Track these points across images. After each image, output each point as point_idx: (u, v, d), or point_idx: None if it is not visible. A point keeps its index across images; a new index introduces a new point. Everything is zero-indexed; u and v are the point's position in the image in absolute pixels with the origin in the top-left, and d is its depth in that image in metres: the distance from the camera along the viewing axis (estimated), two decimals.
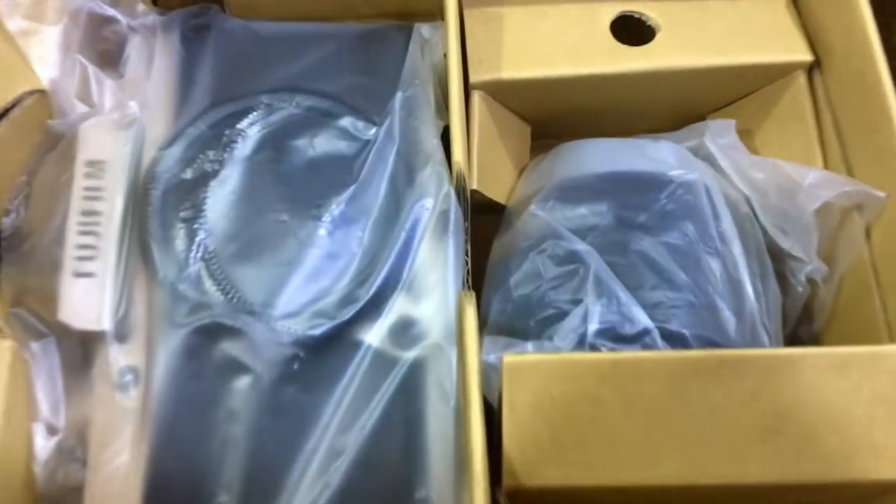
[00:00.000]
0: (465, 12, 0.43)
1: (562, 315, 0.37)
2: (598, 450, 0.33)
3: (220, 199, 0.37)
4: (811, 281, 0.41)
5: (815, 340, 0.43)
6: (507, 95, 0.43)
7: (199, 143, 0.38)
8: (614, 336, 0.36)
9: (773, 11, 0.44)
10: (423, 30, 0.43)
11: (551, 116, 0.46)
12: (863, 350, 0.34)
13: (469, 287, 0.39)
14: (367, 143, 0.39)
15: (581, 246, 0.38)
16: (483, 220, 0.44)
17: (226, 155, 0.38)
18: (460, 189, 0.38)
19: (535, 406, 0.33)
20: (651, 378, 0.33)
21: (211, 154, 0.38)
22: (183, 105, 0.40)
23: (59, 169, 0.37)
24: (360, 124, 0.40)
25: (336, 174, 0.38)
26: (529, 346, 0.36)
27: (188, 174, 0.38)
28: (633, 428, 0.33)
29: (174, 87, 0.41)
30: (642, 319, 0.36)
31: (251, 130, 0.39)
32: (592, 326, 0.36)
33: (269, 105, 0.39)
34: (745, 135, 0.45)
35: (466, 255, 0.39)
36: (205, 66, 0.41)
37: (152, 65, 0.41)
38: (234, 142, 0.38)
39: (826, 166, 0.42)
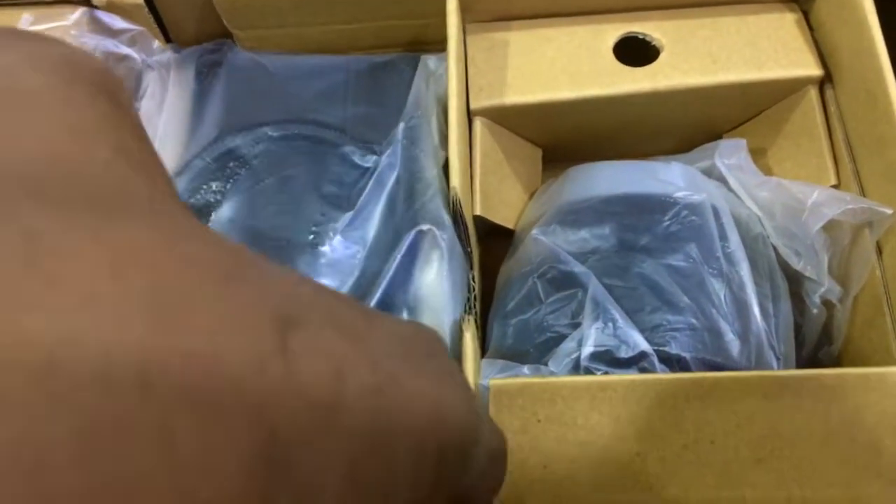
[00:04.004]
0: (468, 39, 0.43)
1: (560, 339, 0.37)
2: (589, 472, 0.33)
3: (221, 228, 0.38)
4: (826, 302, 0.40)
5: (834, 363, 0.42)
6: (512, 120, 0.43)
7: (204, 174, 0.39)
8: (610, 360, 0.35)
9: (783, 27, 0.43)
10: (430, 61, 0.44)
11: (560, 139, 0.46)
12: (861, 372, 0.33)
13: (475, 312, 0.39)
14: (366, 171, 0.39)
15: (579, 268, 0.37)
16: (497, 244, 0.44)
17: (228, 186, 0.39)
18: (457, 214, 0.38)
19: (521, 429, 0.33)
20: (642, 401, 0.33)
21: (214, 185, 0.39)
22: (193, 137, 0.41)
23: None
24: (361, 153, 0.40)
25: (335, 201, 0.38)
26: (525, 369, 0.36)
27: (192, 204, 0.38)
28: (624, 451, 0.33)
29: (186, 120, 0.42)
30: (639, 342, 0.35)
31: (254, 161, 0.39)
32: (587, 350, 0.35)
33: (272, 136, 0.40)
34: (759, 153, 0.44)
35: (473, 279, 0.39)
36: (215, 99, 0.42)
37: (165, 99, 0.42)
38: (238, 173, 0.39)
39: (839, 183, 0.41)
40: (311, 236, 0.37)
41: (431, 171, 0.40)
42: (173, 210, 0.12)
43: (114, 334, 0.09)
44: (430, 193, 0.39)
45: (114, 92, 0.13)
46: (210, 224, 0.38)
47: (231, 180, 0.39)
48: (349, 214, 0.38)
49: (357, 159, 0.40)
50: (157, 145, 0.40)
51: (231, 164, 0.39)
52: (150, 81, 0.43)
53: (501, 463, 0.17)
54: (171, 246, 0.11)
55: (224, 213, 0.38)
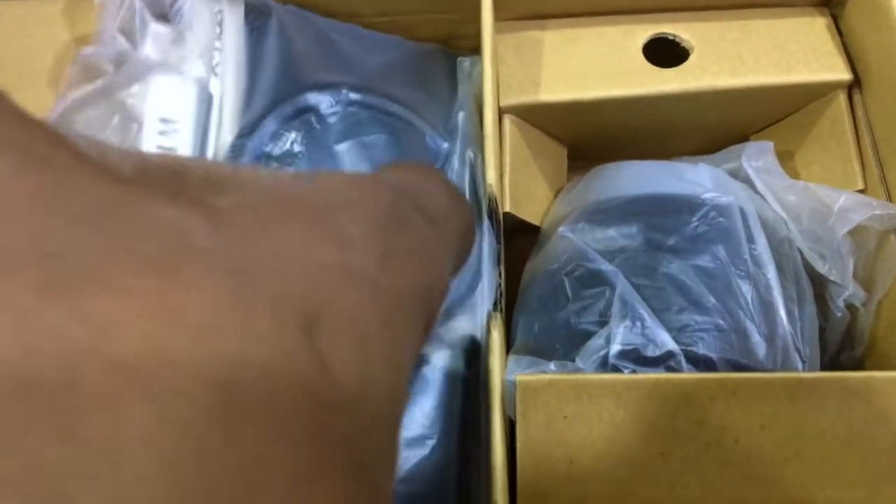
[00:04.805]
0: (496, 38, 0.43)
1: (586, 337, 0.37)
2: (613, 469, 0.33)
3: None
4: (850, 306, 0.40)
5: (857, 366, 0.42)
6: (540, 119, 0.43)
7: (285, 121, 0.38)
8: (637, 358, 0.35)
9: (812, 31, 0.43)
10: (465, 63, 0.44)
11: (587, 138, 0.46)
12: (887, 375, 0.33)
13: (501, 309, 0.39)
14: (437, 157, 0.40)
15: (607, 267, 0.38)
16: (521, 241, 0.44)
17: (308, 140, 0.38)
18: (492, 212, 0.38)
19: (547, 425, 0.33)
20: (667, 400, 0.33)
21: (294, 135, 0.38)
22: (255, 87, 0.39)
23: (100, 111, 0.35)
24: (432, 136, 0.40)
25: None
26: (552, 365, 0.36)
27: (274, 150, 0.38)
28: (648, 449, 0.33)
29: (243, 69, 0.40)
30: (667, 342, 0.36)
31: (333, 119, 0.39)
32: (615, 348, 0.36)
33: (352, 99, 0.39)
34: (786, 156, 0.45)
35: (500, 276, 0.40)
36: (271, 49, 0.40)
37: (215, 29, 0.39)
38: (315, 127, 0.38)
39: (866, 188, 0.41)
40: None
41: (477, 170, 0.40)
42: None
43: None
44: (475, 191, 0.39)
45: None
46: None
47: (309, 133, 0.38)
48: None
49: (429, 142, 0.40)
50: (222, 83, 0.38)
51: (312, 118, 0.38)
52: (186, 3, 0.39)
53: (470, 239, 0.17)
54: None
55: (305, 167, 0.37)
